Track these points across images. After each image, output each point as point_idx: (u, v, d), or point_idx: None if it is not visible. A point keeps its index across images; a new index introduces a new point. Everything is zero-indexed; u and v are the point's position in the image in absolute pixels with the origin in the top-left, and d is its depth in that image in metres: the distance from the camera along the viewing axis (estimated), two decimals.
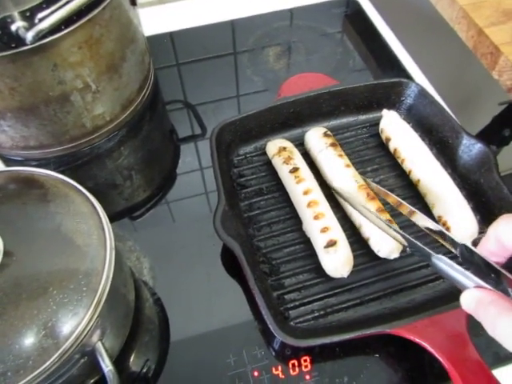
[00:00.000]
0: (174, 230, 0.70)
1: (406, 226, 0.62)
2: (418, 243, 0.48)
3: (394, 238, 0.54)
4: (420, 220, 0.54)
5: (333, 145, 0.68)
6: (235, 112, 0.74)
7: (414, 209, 0.55)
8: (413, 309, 0.57)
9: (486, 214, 0.64)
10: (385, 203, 0.62)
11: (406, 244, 0.50)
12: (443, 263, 0.42)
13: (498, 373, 0.49)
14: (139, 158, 0.80)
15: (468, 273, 0.39)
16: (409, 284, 0.60)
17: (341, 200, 0.65)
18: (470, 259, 0.41)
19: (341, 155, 0.67)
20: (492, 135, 0.99)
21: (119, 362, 0.55)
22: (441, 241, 0.49)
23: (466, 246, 0.42)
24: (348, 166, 0.66)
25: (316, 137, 0.70)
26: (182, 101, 0.87)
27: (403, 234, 0.51)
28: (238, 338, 0.58)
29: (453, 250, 0.46)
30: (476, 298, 0.38)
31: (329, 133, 0.70)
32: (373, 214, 0.57)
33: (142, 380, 0.56)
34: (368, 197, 0.61)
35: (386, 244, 0.58)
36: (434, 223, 0.50)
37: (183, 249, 0.66)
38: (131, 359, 0.57)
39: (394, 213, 0.61)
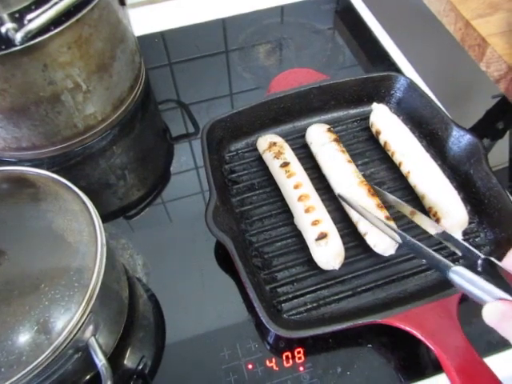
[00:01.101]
0: (167, 227, 0.71)
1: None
2: (437, 255, 0.47)
3: (407, 248, 0.52)
4: (432, 229, 0.53)
5: (335, 140, 0.69)
6: (228, 110, 0.75)
7: (428, 219, 0.54)
8: (404, 299, 0.57)
9: (476, 204, 0.65)
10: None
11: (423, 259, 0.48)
12: (463, 275, 0.41)
13: (489, 361, 0.49)
14: (132, 157, 0.80)
15: (491, 285, 0.38)
16: (400, 274, 0.60)
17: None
18: (491, 272, 0.41)
19: (343, 151, 0.68)
20: (486, 128, 0.99)
21: (114, 358, 0.55)
22: (458, 252, 0.48)
23: (488, 259, 0.41)
24: (349, 161, 0.66)
25: (319, 132, 0.70)
26: (174, 100, 0.87)
27: (418, 243, 0.49)
28: (232, 332, 0.58)
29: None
30: (500, 311, 0.36)
31: (332, 129, 0.71)
32: (382, 222, 0.56)
33: (138, 375, 0.56)
34: (369, 193, 0.62)
35: (382, 240, 0.59)
36: (449, 233, 0.49)
37: (176, 246, 0.67)
38: (126, 355, 0.57)
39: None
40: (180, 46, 0.95)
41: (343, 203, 0.64)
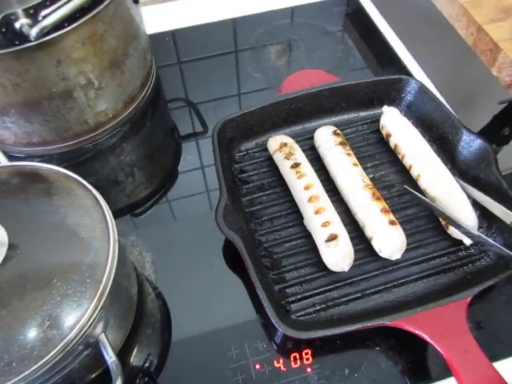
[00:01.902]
0: (175, 226, 0.71)
1: None
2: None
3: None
4: None
5: (342, 143, 0.69)
6: (236, 110, 0.75)
7: None
8: (413, 302, 0.57)
9: (486, 208, 0.64)
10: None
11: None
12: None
13: (497, 365, 0.49)
14: (141, 154, 0.80)
15: None
16: (409, 278, 0.60)
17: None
18: None
19: (349, 154, 0.68)
20: (492, 134, 0.99)
21: (121, 356, 0.55)
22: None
23: None
24: (355, 164, 0.66)
25: (326, 134, 0.70)
26: (183, 99, 0.87)
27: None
28: (240, 331, 0.58)
29: None
30: None
31: (338, 131, 0.71)
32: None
33: (144, 373, 0.56)
34: (373, 196, 0.62)
35: (388, 245, 0.59)
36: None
37: (185, 244, 0.67)
38: (133, 353, 0.57)
39: None
40: (190, 45, 0.95)
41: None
